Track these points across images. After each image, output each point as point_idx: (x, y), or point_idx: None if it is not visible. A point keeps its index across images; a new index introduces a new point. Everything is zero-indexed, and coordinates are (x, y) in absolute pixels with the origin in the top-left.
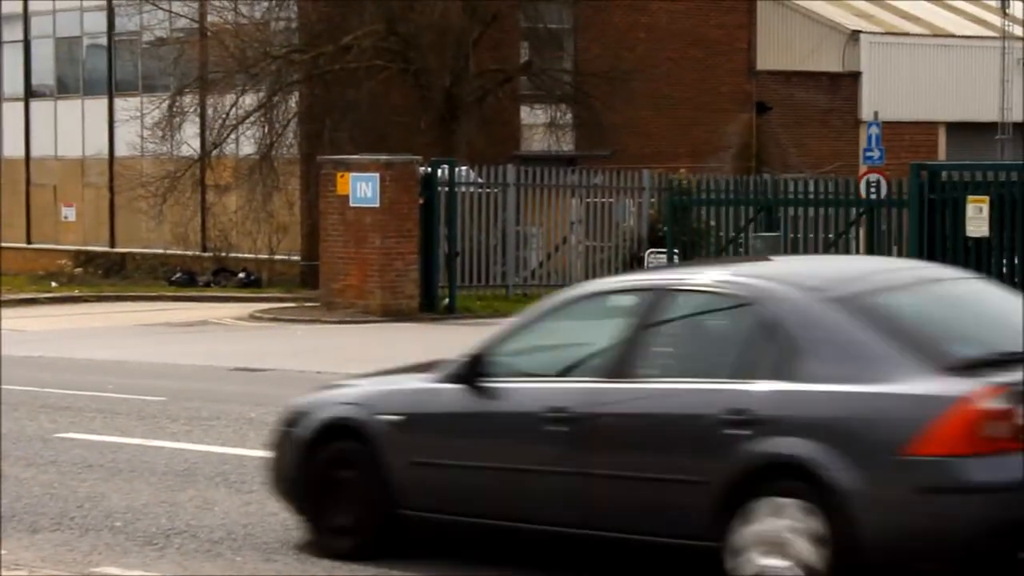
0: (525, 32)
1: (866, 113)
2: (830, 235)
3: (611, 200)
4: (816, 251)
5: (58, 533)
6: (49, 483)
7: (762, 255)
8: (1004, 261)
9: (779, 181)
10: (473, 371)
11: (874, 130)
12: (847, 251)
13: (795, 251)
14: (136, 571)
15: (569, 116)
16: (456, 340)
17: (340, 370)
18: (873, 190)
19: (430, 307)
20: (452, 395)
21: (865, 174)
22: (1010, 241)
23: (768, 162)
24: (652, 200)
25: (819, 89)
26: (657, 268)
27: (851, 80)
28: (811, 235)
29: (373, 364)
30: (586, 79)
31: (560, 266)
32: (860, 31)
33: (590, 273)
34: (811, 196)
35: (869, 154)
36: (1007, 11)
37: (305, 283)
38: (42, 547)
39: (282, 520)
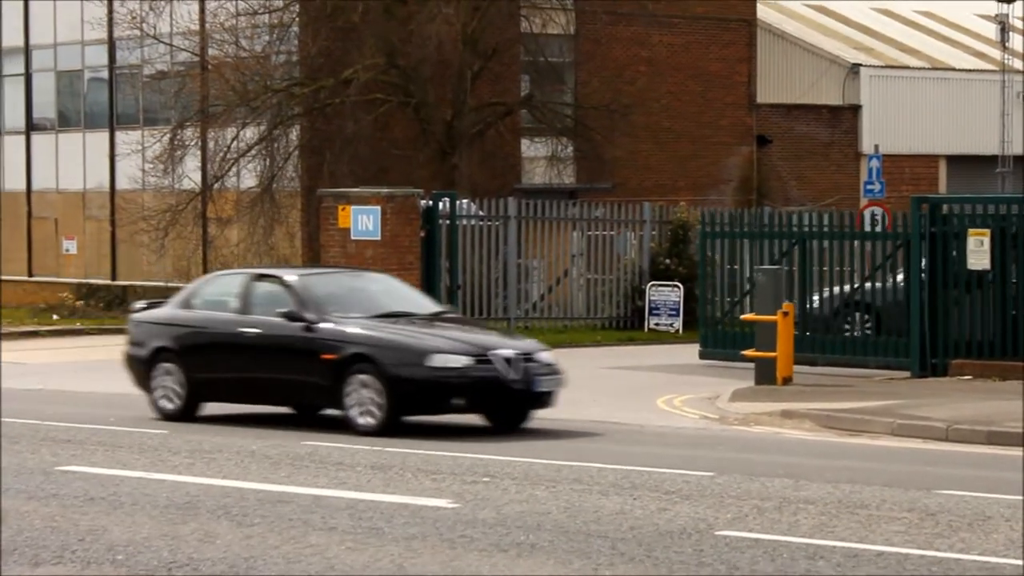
0: (525, 65)
1: (866, 146)
2: (853, 269)
3: (612, 233)
4: (848, 284)
5: (60, 567)
6: (51, 516)
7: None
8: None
9: (812, 214)
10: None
11: (875, 163)
12: (883, 283)
13: (825, 285)
14: None
15: (570, 149)
16: None
17: None
18: (877, 223)
19: None
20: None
21: (866, 207)
22: (1012, 274)
23: (769, 195)
24: (653, 233)
25: (819, 122)
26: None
27: (851, 113)
28: (847, 268)
29: None
30: (586, 112)
31: (562, 299)
32: (860, 64)
33: (592, 306)
34: (846, 229)
35: (870, 187)
36: (1006, 45)
37: None
38: None
39: (284, 553)
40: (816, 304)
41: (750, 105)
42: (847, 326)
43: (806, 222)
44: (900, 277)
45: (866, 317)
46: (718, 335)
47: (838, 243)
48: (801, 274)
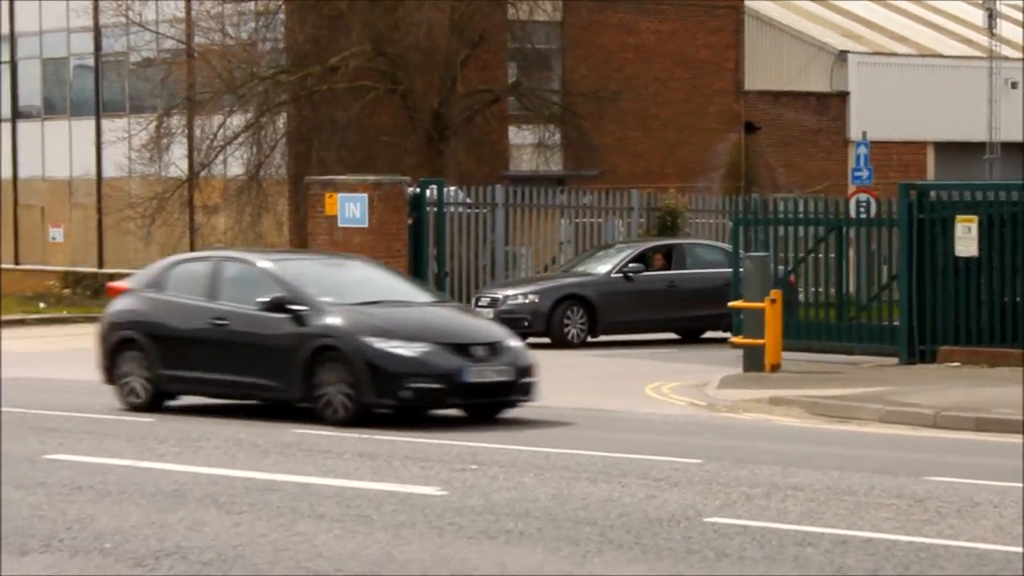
0: (512, 52)
1: (854, 133)
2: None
3: (600, 220)
4: (883, 269)
5: (47, 555)
6: (38, 505)
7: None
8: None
9: (845, 201)
10: None
11: (863, 150)
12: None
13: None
14: None
15: (557, 136)
16: None
17: None
18: (863, 210)
19: None
20: None
21: (854, 193)
22: (999, 261)
23: (756, 182)
24: (641, 220)
25: (807, 109)
26: None
27: (839, 100)
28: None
29: None
30: (574, 99)
31: None
32: (848, 51)
33: None
34: (883, 216)
35: (858, 174)
36: (994, 32)
37: None
38: (31, 569)
39: (272, 540)
40: (524, 299)
41: (738, 92)
42: (566, 321)
43: (842, 209)
44: (607, 268)
45: (580, 311)
46: None
47: (876, 230)
48: (838, 261)
